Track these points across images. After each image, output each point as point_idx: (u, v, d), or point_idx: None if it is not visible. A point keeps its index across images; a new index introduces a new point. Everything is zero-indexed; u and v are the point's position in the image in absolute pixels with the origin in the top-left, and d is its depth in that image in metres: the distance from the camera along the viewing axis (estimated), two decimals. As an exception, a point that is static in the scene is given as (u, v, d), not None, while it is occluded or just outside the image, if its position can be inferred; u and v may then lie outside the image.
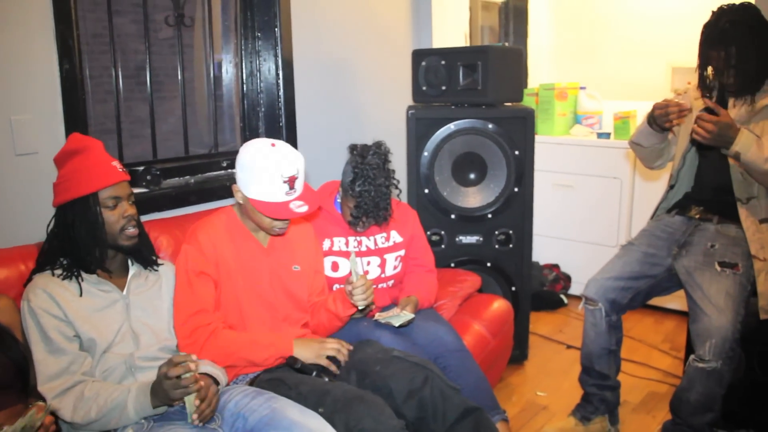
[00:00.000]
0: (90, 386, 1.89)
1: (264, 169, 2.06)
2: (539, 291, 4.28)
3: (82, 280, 2.01)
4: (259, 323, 2.22)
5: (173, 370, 1.76)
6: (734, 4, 2.50)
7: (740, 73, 2.50)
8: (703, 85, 2.63)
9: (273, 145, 2.10)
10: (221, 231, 2.22)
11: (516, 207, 3.31)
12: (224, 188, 3.00)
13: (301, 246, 2.36)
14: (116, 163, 2.03)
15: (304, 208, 2.10)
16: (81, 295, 1.99)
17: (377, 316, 2.48)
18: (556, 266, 4.47)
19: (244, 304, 2.21)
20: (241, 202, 2.19)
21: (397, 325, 2.40)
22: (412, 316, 2.44)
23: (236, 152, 2.18)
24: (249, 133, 3.33)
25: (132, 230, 2.05)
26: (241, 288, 2.20)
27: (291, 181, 2.08)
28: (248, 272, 2.21)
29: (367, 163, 2.42)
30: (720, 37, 2.48)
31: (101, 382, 1.93)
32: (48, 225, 2.06)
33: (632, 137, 2.81)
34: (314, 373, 2.13)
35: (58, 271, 2.01)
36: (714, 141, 2.40)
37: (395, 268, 2.66)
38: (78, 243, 2.00)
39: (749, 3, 2.49)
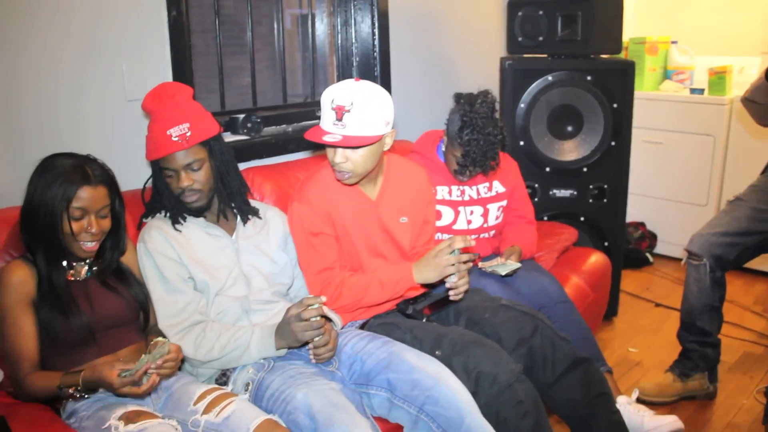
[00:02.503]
0: (211, 326, 1.95)
1: (322, 100, 2.02)
2: (624, 249, 4.21)
3: (185, 221, 2.04)
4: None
5: (307, 312, 1.79)
6: None
7: None
8: None
9: (357, 79, 2.03)
10: (329, 185, 2.17)
11: (612, 161, 3.26)
12: (320, 137, 3.02)
13: (410, 196, 2.29)
14: (176, 130, 1.92)
15: (329, 137, 1.96)
16: (189, 238, 2.03)
17: (481, 264, 2.48)
18: (642, 224, 4.39)
19: (360, 256, 2.20)
20: None
21: (503, 274, 2.40)
22: (518, 265, 2.44)
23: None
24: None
25: (190, 198, 2.00)
26: (356, 240, 2.19)
27: (338, 111, 1.96)
28: (359, 225, 2.19)
29: (475, 112, 2.39)
30: None
31: (221, 323, 1.98)
32: None
33: (746, 94, 2.70)
34: (424, 320, 2.15)
35: (168, 215, 2.06)
36: None
37: (497, 218, 2.65)
38: (162, 194, 2.04)
39: None
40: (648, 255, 4.28)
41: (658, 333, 3.36)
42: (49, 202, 1.78)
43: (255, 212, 2.19)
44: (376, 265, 2.22)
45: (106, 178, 1.86)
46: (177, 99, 1.99)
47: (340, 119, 1.96)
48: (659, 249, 4.38)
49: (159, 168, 2.00)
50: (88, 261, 1.93)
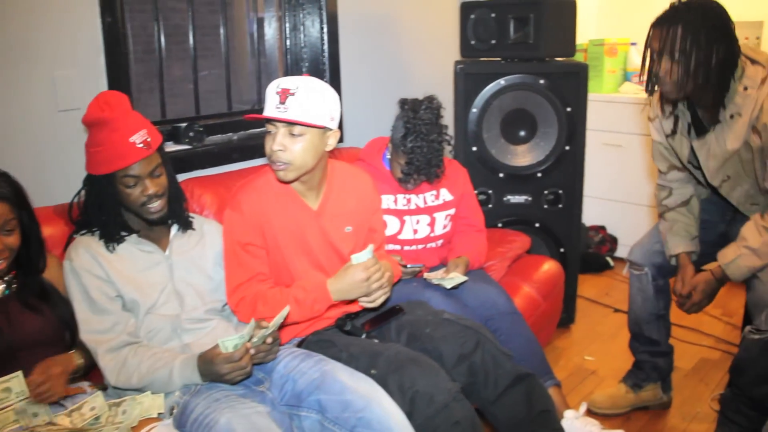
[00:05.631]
0: (135, 352, 1.86)
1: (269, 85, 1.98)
2: (584, 253, 4.17)
3: (119, 241, 1.97)
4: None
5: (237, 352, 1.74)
6: None
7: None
8: None
9: (306, 75, 1.99)
10: (266, 194, 2.09)
11: (566, 166, 3.20)
12: (268, 145, 2.94)
13: (354, 204, 2.21)
14: (138, 136, 1.88)
15: (275, 113, 1.91)
16: (120, 255, 1.95)
17: (427, 276, 2.42)
18: (602, 228, 4.36)
19: (296, 268, 2.11)
20: None
21: (449, 287, 2.34)
22: (464, 278, 2.37)
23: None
24: (292, 88, 3.26)
25: (154, 206, 1.94)
26: (291, 253, 2.10)
27: (283, 94, 1.90)
28: (297, 237, 2.10)
29: (419, 118, 2.33)
30: None
31: (145, 348, 1.89)
32: (84, 180, 2.00)
33: None
34: (363, 336, 2.08)
35: (98, 232, 1.97)
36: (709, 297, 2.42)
37: (445, 227, 2.59)
38: (102, 211, 1.95)
39: None
40: (608, 259, 4.24)
41: (615, 340, 3.32)
42: None
43: (190, 224, 2.12)
44: (319, 278, 2.14)
45: (9, 194, 1.79)
46: (126, 106, 1.94)
47: (283, 102, 1.90)
48: (620, 252, 4.33)
49: (115, 180, 1.90)
50: (5, 279, 1.86)
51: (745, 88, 2.13)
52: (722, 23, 2.09)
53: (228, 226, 2.09)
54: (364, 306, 2.07)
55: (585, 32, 4.70)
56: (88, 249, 1.93)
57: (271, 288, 2.07)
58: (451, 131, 3.01)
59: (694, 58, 2.07)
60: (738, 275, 2.25)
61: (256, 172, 2.19)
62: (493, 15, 3.12)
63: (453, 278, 2.36)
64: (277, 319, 1.79)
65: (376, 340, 2.06)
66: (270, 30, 3.28)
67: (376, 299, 2.04)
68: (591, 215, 4.40)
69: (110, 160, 1.88)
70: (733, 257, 2.24)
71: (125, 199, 1.93)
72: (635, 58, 4.37)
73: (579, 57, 4.35)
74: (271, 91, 1.95)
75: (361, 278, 1.98)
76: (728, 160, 2.26)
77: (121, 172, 1.89)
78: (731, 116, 2.18)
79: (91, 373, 1.96)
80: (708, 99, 2.21)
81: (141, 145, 1.88)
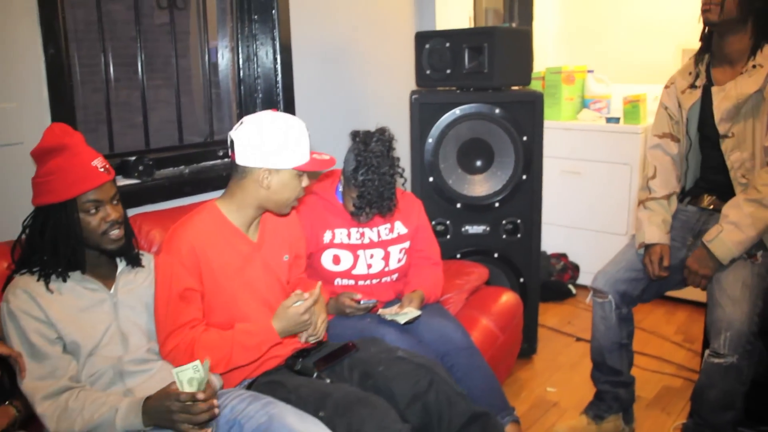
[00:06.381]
0: (76, 396, 1.78)
1: (297, 132, 1.99)
2: (546, 281, 4.16)
3: (65, 279, 1.88)
4: (255, 319, 2.05)
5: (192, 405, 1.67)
6: None
7: None
8: None
9: (275, 110, 2.03)
10: (204, 233, 2.01)
11: (524, 195, 3.18)
12: (220, 178, 2.86)
13: (287, 233, 2.23)
14: (98, 161, 1.86)
15: (327, 157, 2.07)
16: (61, 294, 1.87)
17: (381, 311, 2.37)
18: (563, 255, 4.35)
19: (239, 303, 2.05)
20: (266, 188, 1.98)
21: (402, 322, 2.29)
22: (417, 313, 2.33)
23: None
24: (246, 120, 3.21)
25: (115, 233, 1.89)
26: (235, 288, 2.04)
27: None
28: (241, 271, 2.05)
29: (370, 151, 2.29)
30: None
31: (87, 392, 1.81)
32: (24, 222, 1.91)
33: None
34: (315, 375, 2.02)
35: (38, 272, 1.88)
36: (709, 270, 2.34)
37: (399, 261, 2.54)
38: (57, 244, 1.87)
39: None
40: (570, 287, 4.22)
41: (578, 369, 3.28)
42: None
43: (139, 261, 2.05)
44: (258, 311, 2.07)
45: None
46: (82, 137, 1.91)
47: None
48: (582, 280, 4.33)
49: (74, 207, 1.84)
50: None
51: None
52: None
53: (162, 272, 1.99)
54: (311, 342, 2.06)
55: (542, 60, 4.73)
56: (25, 290, 1.84)
57: (205, 332, 1.99)
58: (407, 162, 3.01)
59: None
60: (724, 252, 2.26)
61: (191, 211, 2.12)
62: (447, 44, 3.11)
63: (406, 313, 2.31)
64: (203, 378, 1.71)
65: (328, 380, 2.00)
66: (223, 61, 3.23)
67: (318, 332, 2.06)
68: (552, 243, 4.39)
69: (72, 184, 1.82)
70: (716, 234, 2.27)
71: (85, 227, 1.86)
72: (592, 85, 4.40)
73: (536, 85, 4.37)
74: (304, 137, 2.01)
75: (304, 320, 1.99)
76: (740, 108, 2.32)
77: (82, 197, 1.84)
78: (753, 66, 2.30)
79: (33, 423, 1.86)
80: (742, 38, 2.33)
81: (102, 170, 1.86)
